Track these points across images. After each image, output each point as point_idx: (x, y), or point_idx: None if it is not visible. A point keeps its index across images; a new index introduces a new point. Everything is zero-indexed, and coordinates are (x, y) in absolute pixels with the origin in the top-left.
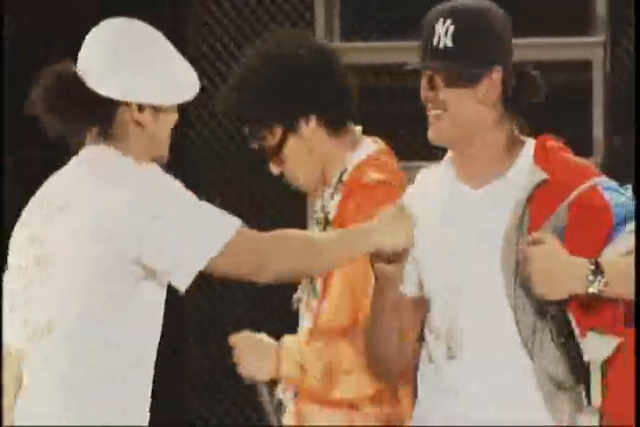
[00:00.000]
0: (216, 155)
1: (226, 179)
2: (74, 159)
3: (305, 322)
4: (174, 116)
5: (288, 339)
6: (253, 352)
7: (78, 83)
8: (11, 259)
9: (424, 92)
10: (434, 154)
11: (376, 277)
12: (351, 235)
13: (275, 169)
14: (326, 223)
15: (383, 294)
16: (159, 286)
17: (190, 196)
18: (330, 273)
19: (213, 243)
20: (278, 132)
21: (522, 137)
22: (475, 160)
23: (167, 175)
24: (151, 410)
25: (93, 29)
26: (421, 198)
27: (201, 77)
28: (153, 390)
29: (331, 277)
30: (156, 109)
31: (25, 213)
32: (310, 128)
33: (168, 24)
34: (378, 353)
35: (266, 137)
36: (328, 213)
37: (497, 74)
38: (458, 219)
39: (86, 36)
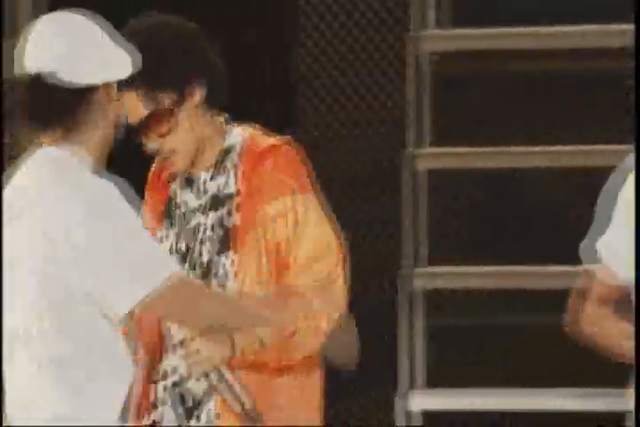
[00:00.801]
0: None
1: None
2: (34, 160)
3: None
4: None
5: None
6: (208, 340)
7: (40, 84)
8: None
9: None
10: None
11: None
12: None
13: (152, 144)
14: (219, 203)
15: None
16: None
17: (137, 224)
18: (244, 232)
19: (153, 277)
20: (170, 98)
21: None
22: None
23: (120, 196)
24: None
25: (31, 30)
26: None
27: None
28: None
29: (244, 239)
30: (113, 87)
31: None
32: (196, 100)
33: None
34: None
35: (159, 101)
36: (219, 193)
37: None
38: None
39: (26, 36)
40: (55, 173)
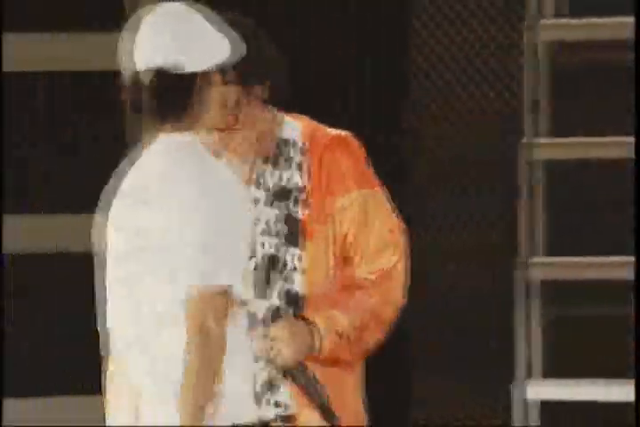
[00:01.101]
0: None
1: None
2: (158, 147)
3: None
4: None
5: (317, 315)
6: (294, 337)
7: (156, 76)
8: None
9: None
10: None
11: None
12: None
13: (232, 125)
14: (283, 196)
15: None
16: None
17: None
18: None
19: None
20: (237, 93)
21: None
22: None
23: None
24: None
25: (141, 23)
26: None
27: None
28: None
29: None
30: (217, 74)
31: (115, 203)
32: (259, 95)
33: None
34: None
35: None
36: (282, 185)
37: None
38: None
39: (143, 34)
40: (189, 159)
